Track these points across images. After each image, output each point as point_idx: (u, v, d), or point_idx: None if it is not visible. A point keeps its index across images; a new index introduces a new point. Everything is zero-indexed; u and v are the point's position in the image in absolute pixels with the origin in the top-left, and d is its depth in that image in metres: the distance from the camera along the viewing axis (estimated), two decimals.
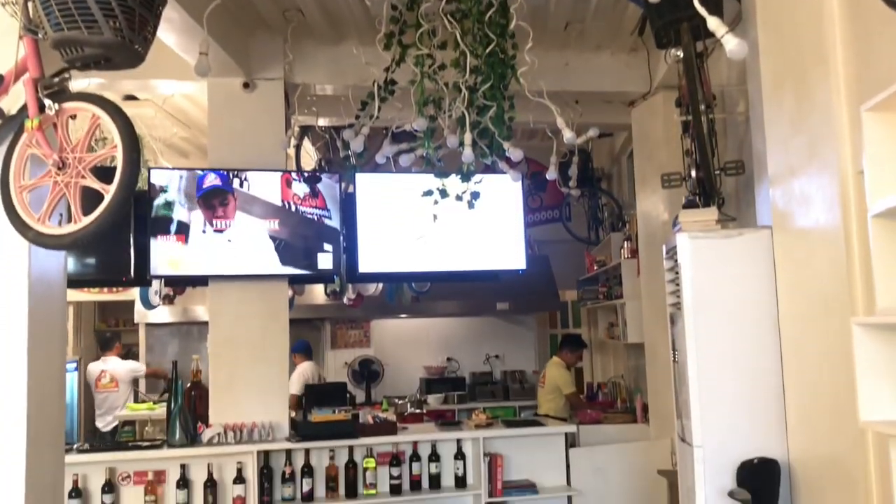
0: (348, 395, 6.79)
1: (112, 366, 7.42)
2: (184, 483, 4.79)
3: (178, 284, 6.02)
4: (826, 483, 3.03)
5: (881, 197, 2.24)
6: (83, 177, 2.30)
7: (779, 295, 3.40)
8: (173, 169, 5.07)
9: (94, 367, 7.46)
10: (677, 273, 3.59)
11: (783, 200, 3.37)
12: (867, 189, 2.29)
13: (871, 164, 2.28)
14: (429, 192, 4.08)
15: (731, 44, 3.00)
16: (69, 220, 2.34)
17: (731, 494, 3.26)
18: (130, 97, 5.95)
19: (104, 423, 7.18)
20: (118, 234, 4.81)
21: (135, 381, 7.58)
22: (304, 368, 7.28)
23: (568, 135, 3.92)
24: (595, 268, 7.67)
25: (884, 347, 2.25)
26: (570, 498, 5.47)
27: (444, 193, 4.09)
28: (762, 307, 3.42)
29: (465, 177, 4.03)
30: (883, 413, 2.27)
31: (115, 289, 7.73)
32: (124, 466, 4.82)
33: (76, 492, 4.65)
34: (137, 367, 7.62)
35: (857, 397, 2.30)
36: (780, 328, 3.39)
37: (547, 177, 4.69)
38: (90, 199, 2.33)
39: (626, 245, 6.58)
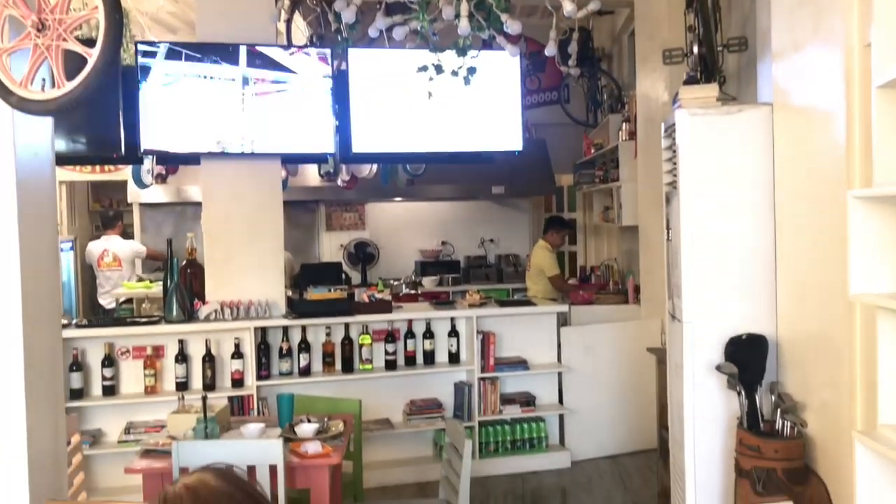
0: (344, 276, 6.85)
1: (114, 244, 7.39)
2: (182, 358, 4.89)
3: (170, 162, 5.96)
4: (812, 356, 3.10)
5: (887, 67, 2.18)
6: (64, 39, 2.21)
7: (776, 172, 3.37)
8: (161, 43, 4.91)
9: (96, 246, 7.42)
10: (675, 151, 3.55)
11: (785, 76, 3.30)
12: (874, 58, 2.23)
13: (879, 32, 2.21)
14: (424, 68, 3.97)
15: None
16: (53, 86, 2.27)
17: (719, 368, 3.34)
18: None
19: (107, 301, 7.25)
20: (107, 110, 4.72)
21: (148, 257, 7.58)
22: None
23: (568, 7, 3.77)
24: (592, 151, 7.60)
25: (878, 220, 2.25)
26: (560, 374, 5.61)
27: (439, 69, 3.97)
28: (759, 185, 3.41)
29: (462, 51, 3.91)
30: (872, 287, 2.30)
31: (107, 168, 7.64)
32: (123, 342, 4.91)
33: (77, 365, 4.75)
34: (139, 248, 7.57)
35: (848, 272, 2.31)
36: (776, 206, 3.38)
37: (546, 53, 4.54)
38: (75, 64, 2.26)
39: (624, 127, 6.49)
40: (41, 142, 2.75)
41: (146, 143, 4.66)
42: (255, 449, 3.20)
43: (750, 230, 3.42)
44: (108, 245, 7.37)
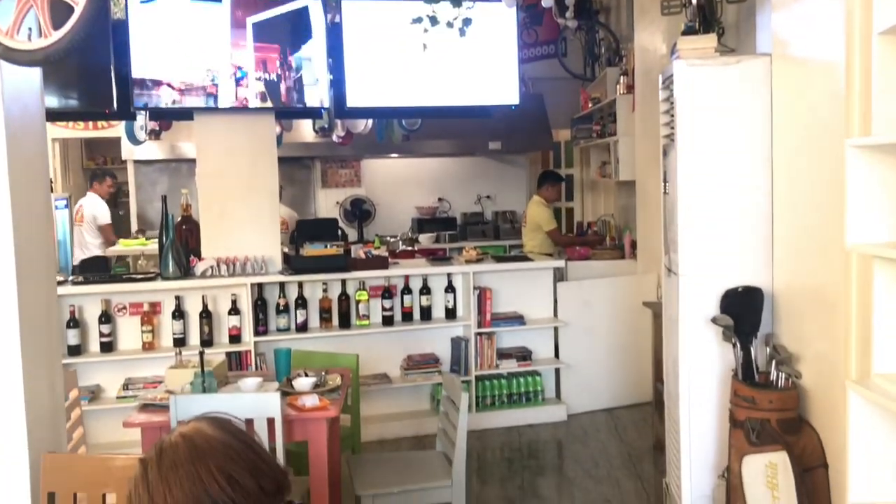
0: (340, 233, 6.83)
1: (87, 202, 7.39)
2: (179, 314, 4.89)
3: (163, 118, 5.89)
4: (807, 307, 3.10)
5: (889, 13, 2.14)
6: None
7: (774, 124, 3.34)
8: None
9: (77, 204, 7.46)
10: (672, 103, 3.50)
11: (785, 26, 3.25)
12: (876, 4, 2.19)
13: None
14: (418, 20, 3.93)
15: None
16: (40, 36, 2.23)
17: (714, 321, 3.34)
18: None
19: (75, 256, 7.28)
20: (99, 65, 4.65)
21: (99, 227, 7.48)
22: None
23: None
24: (590, 105, 7.54)
25: (876, 169, 2.23)
26: (556, 329, 5.64)
27: (434, 20, 3.93)
28: (757, 136, 3.37)
29: (457, 2, 3.86)
30: (869, 237, 2.28)
31: (100, 125, 7.58)
32: (119, 298, 4.91)
33: (74, 322, 4.75)
34: (101, 215, 7.43)
35: (846, 221, 2.30)
36: (773, 159, 3.36)
37: (542, 4, 4.50)
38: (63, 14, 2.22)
39: (622, 80, 6.43)
40: (30, 95, 2.71)
41: (135, 71, 4.57)
42: (252, 402, 3.21)
43: (748, 182, 3.39)
44: (84, 202, 7.40)
